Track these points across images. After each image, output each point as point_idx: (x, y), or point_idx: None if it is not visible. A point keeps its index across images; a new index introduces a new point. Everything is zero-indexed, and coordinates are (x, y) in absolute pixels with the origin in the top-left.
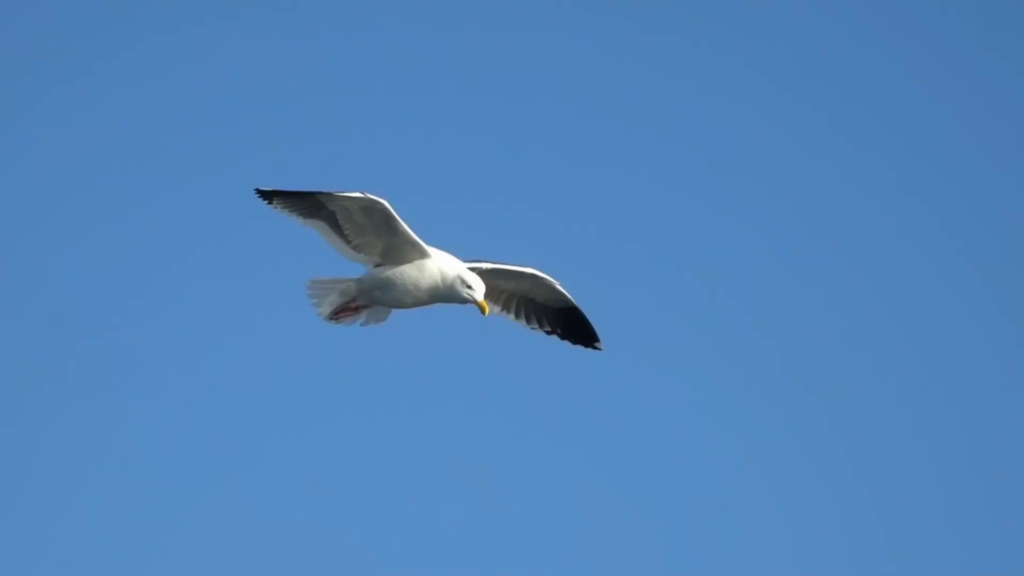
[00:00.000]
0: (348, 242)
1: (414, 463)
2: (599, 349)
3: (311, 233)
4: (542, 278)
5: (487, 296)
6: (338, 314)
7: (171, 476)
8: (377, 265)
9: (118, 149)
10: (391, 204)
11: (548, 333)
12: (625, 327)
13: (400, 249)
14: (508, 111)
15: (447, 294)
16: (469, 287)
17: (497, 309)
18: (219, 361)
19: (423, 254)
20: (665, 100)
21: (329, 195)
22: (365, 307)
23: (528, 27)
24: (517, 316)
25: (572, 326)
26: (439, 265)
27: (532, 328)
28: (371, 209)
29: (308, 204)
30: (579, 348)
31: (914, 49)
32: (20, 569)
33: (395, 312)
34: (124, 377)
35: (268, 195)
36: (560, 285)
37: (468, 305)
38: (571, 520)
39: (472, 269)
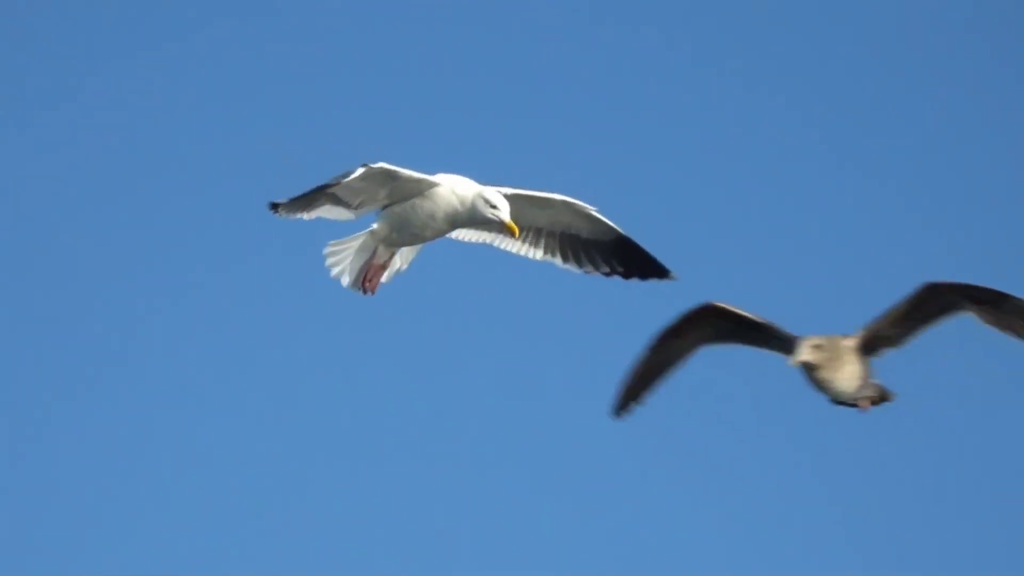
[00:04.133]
0: (350, 207)
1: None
2: (674, 279)
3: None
4: (575, 204)
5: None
6: (366, 280)
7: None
8: (384, 208)
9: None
10: (388, 162)
11: (607, 275)
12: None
13: (405, 188)
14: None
15: (468, 217)
16: (493, 206)
17: (539, 254)
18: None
19: (431, 184)
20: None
21: (338, 184)
22: (390, 260)
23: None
24: (565, 259)
25: (628, 259)
26: (452, 189)
27: (586, 271)
28: (371, 175)
29: (313, 198)
30: (651, 283)
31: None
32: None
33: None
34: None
35: (277, 207)
36: (597, 212)
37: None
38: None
39: None
